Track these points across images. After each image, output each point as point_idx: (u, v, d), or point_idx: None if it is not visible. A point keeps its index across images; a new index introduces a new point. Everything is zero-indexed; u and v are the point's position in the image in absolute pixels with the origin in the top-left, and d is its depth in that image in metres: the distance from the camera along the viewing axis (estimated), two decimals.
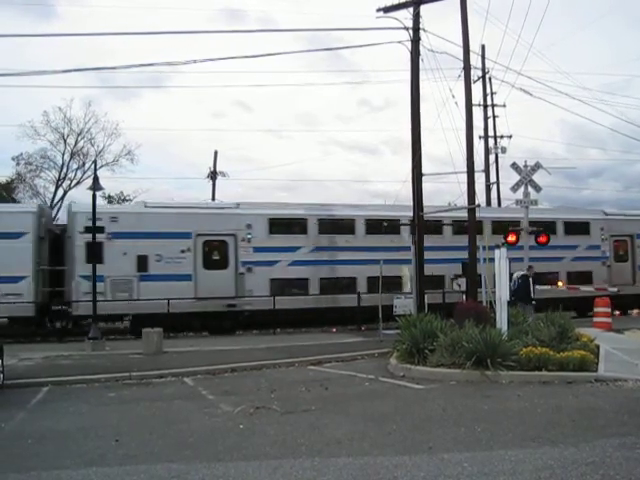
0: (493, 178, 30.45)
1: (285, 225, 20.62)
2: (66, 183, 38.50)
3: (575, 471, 5.15)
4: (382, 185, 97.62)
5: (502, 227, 19.12)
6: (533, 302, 15.75)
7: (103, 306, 16.98)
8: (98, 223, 17.06)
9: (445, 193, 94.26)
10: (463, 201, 16.60)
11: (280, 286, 19.56)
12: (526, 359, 10.11)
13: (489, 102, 30.79)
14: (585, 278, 22.87)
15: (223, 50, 20.12)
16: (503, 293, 12.04)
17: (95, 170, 17.26)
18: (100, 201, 22.85)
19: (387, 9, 16.54)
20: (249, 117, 75.62)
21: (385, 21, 16.55)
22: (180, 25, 77.22)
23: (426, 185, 23.53)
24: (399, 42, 16.87)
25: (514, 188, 17.09)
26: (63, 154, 38.06)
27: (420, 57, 16.76)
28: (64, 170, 38.21)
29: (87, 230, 17.38)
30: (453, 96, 16.59)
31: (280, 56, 18.24)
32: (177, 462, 5.81)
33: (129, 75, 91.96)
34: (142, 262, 18.61)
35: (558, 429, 6.61)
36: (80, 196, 33.05)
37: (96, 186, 16.20)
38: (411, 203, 17.04)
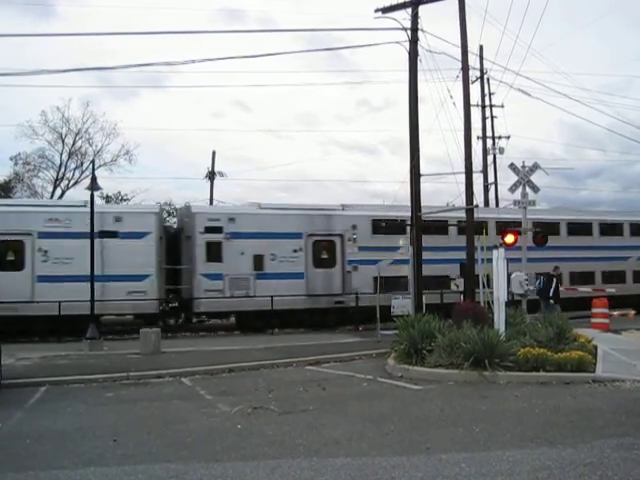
0: (491, 179, 30.56)
1: (386, 226, 21.41)
2: (64, 183, 38.62)
3: (573, 472, 5.15)
4: (381, 185, 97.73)
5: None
6: (551, 300, 16.06)
7: (220, 303, 18.68)
8: (216, 224, 19.05)
9: (444, 193, 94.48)
10: (461, 201, 16.62)
11: (382, 284, 19.88)
12: (524, 360, 10.12)
13: (487, 102, 30.89)
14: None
15: (222, 50, 20.16)
16: (501, 294, 12.05)
17: (93, 170, 17.28)
18: (98, 201, 22.95)
19: (385, 10, 16.54)
20: (248, 117, 75.72)
21: (384, 21, 16.57)
22: (180, 25, 77.17)
23: (425, 185, 23.58)
24: (397, 43, 16.88)
25: (512, 189, 17.09)
26: (61, 154, 38.14)
27: (418, 58, 16.77)
28: (62, 170, 38.32)
29: (207, 230, 18.92)
30: (451, 97, 16.63)
31: (279, 56, 18.46)
32: (175, 462, 5.80)
33: (128, 75, 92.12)
34: (258, 261, 19.58)
35: (556, 430, 6.62)
36: (78, 196, 33.00)
37: (94, 186, 16.17)
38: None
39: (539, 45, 55.11)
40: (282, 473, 5.39)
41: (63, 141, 37.83)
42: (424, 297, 16.67)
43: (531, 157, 67.93)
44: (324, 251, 20.57)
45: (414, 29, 16.78)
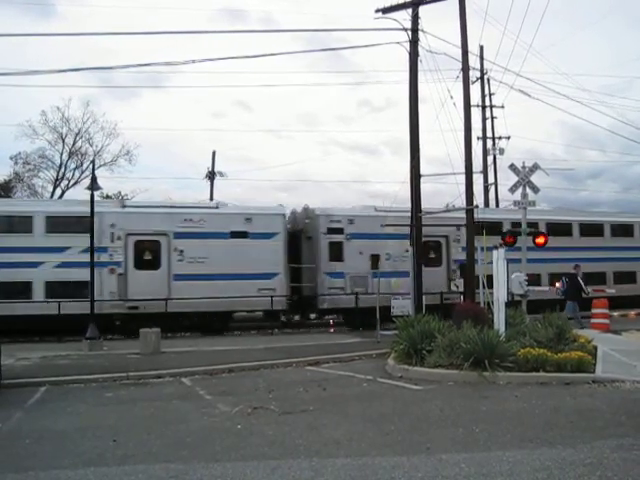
0: (491, 179, 30.54)
1: (487, 227, 21.86)
2: (64, 183, 38.64)
3: (573, 472, 5.16)
4: (381, 185, 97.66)
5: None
6: (587, 294, 17.11)
7: (341, 300, 19.83)
8: (337, 225, 20.24)
9: (444, 194, 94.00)
10: (461, 202, 16.64)
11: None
12: (524, 360, 10.12)
13: (487, 103, 30.83)
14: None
15: (223, 50, 20.22)
16: (501, 294, 12.04)
17: (93, 170, 17.29)
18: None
19: (385, 10, 16.56)
20: (249, 117, 75.73)
21: (384, 22, 16.60)
22: (180, 25, 77.21)
23: (425, 186, 23.72)
24: (397, 43, 16.92)
25: (512, 189, 17.06)
26: (61, 154, 38.16)
27: (419, 58, 16.80)
28: (62, 170, 38.34)
29: (329, 231, 20.12)
30: (452, 97, 16.65)
31: (280, 56, 18.43)
32: (175, 462, 5.81)
33: (128, 75, 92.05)
34: (375, 260, 20.31)
35: (556, 430, 6.62)
36: (78, 196, 33.02)
37: (94, 186, 16.18)
38: None
39: (539, 45, 55.21)
40: (282, 473, 5.39)
41: (63, 141, 37.88)
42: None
43: (531, 158, 68.04)
44: (431, 251, 21.35)
45: (414, 29, 16.80)
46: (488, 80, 30.27)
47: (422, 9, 16.85)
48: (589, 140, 71.68)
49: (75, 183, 38.34)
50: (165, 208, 20.11)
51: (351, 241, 20.38)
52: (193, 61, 19.52)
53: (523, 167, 16.69)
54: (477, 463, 5.46)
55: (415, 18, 16.80)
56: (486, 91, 30.61)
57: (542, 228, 21.06)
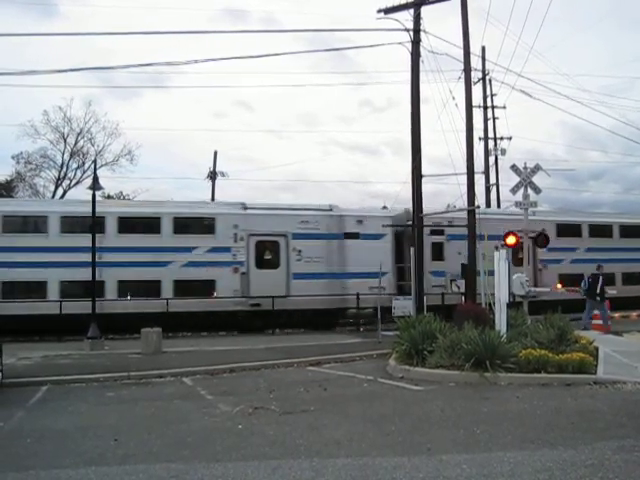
0: (493, 180, 30.55)
1: (568, 229, 23.81)
2: (66, 182, 38.66)
3: (574, 473, 5.15)
4: (381, 186, 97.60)
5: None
6: (605, 296, 17.27)
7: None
8: (438, 227, 20.85)
9: (445, 194, 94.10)
10: (463, 203, 16.64)
11: (564, 280, 21.77)
12: (525, 361, 10.11)
13: (489, 104, 30.83)
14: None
15: (225, 50, 20.15)
16: (502, 295, 12.03)
17: (95, 170, 17.28)
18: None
19: (387, 10, 16.57)
20: (251, 117, 75.72)
21: (386, 22, 16.61)
22: (180, 25, 77.27)
23: (426, 186, 23.83)
24: (399, 43, 16.94)
25: (514, 190, 17.10)
26: (63, 153, 38.18)
27: (420, 58, 16.80)
28: (64, 169, 38.37)
29: (432, 233, 20.67)
30: (453, 98, 16.66)
31: (282, 56, 18.46)
32: (176, 462, 5.81)
33: (130, 75, 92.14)
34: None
35: (557, 431, 6.61)
36: (80, 196, 33.07)
37: (96, 186, 16.20)
38: None
39: (541, 46, 55.27)
40: (283, 473, 5.39)
41: (65, 141, 37.91)
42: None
43: (533, 158, 68.09)
44: (520, 251, 21.29)
45: (416, 30, 16.80)
46: (490, 81, 30.31)
47: (424, 10, 16.86)
48: (590, 140, 71.67)
49: (77, 183, 38.41)
50: (283, 210, 20.88)
51: (450, 242, 21.18)
52: (195, 61, 19.68)
53: (525, 168, 16.71)
54: (478, 464, 5.46)
55: (417, 19, 16.80)
56: (488, 92, 30.63)
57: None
